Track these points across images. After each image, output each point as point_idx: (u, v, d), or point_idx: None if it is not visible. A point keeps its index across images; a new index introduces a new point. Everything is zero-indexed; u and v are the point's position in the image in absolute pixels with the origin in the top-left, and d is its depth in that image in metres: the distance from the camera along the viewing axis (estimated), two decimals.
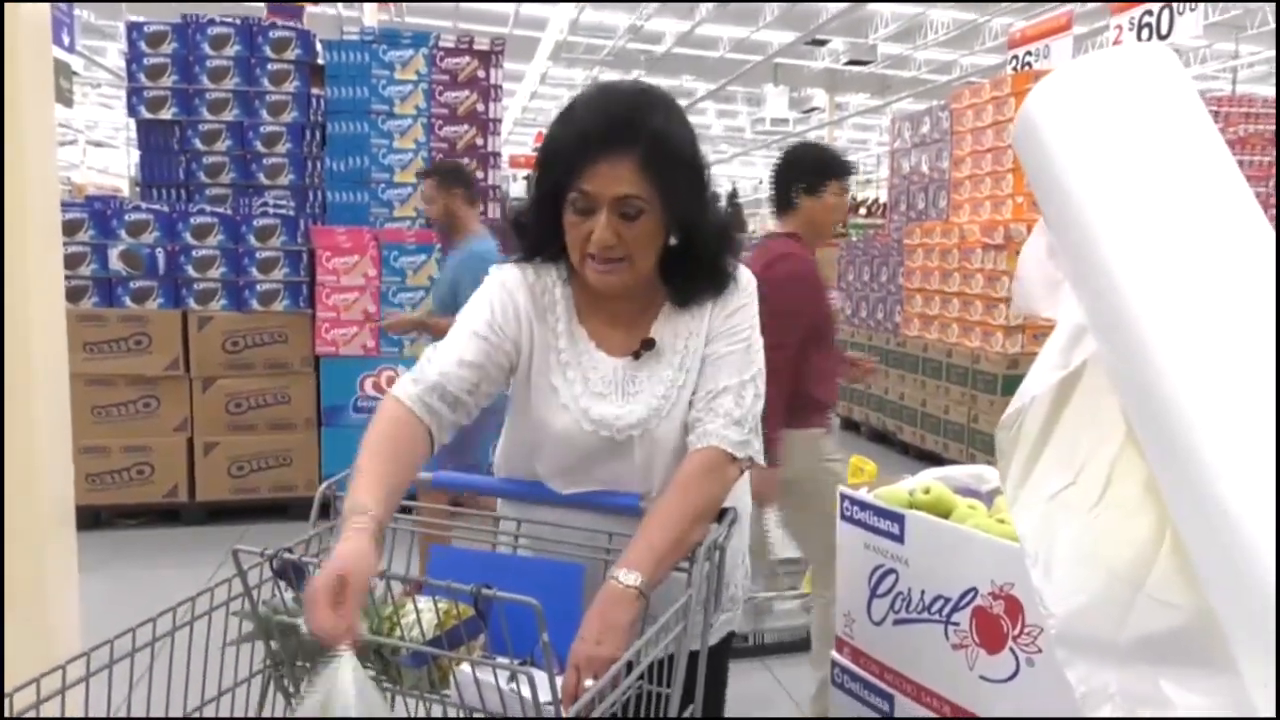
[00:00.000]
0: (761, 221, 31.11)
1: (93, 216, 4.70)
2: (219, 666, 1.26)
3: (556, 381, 1.41)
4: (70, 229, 4.57)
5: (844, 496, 2.09)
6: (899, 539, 1.91)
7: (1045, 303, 0.78)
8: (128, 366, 4.70)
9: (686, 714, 1.32)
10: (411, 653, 1.19)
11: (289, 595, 1.25)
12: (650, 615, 1.27)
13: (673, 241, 1.38)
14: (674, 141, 1.31)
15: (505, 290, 1.44)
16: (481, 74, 5.21)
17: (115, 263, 4.73)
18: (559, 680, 1.09)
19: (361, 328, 4.92)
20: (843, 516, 2.09)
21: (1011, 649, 1.69)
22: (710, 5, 13.44)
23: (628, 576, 1.22)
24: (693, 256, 1.39)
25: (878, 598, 2.00)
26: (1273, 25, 13.28)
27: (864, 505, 2.01)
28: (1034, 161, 0.76)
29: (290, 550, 1.22)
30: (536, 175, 1.38)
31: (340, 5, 12.59)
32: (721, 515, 1.39)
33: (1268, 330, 0.61)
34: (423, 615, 1.21)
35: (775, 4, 13.46)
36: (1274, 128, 9.15)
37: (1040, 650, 1.58)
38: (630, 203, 1.29)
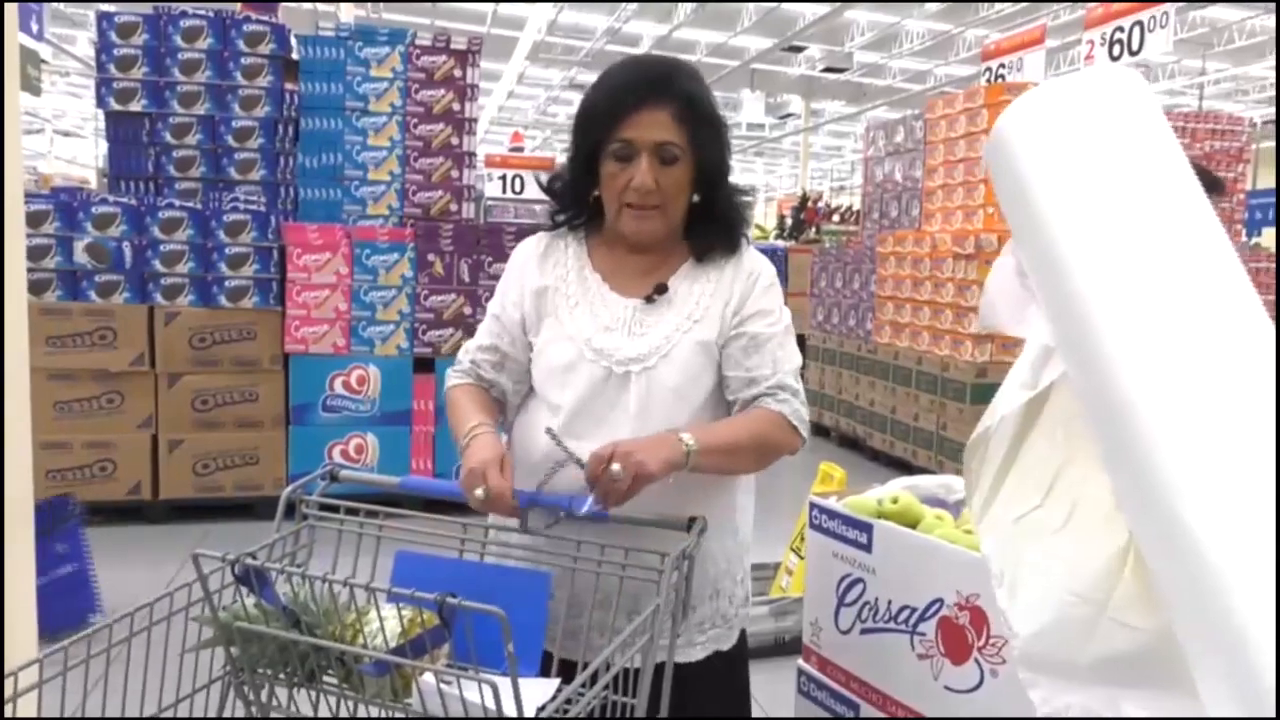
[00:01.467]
0: None
1: (58, 208, 4.62)
2: (178, 672, 1.24)
3: (563, 316, 1.48)
4: (35, 220, 4.48)
5: (813, 505, 2.10)
6: (866, 548, 1.93)
7: (1012, 321, 0.79)
8: (92, 361, 4.62)
9: None
10: (374, 661, 1.17)
11: (250, 601, 1.24)
12: (615, 629, 1.28)
13: (695, 199, 1.47)
14: (703, 100, 1.44)
15: (517, 262, 1.56)
16: (458, 73, 5.19)
17: (80, 256, 4.64)
18: (523, 689, 1.08)
19: (332, 326, 4.88)
20: (811, 525, 2.10)
21: (976, 660, 1.71)
22: (688, 9, 13.47)
23: (684, 435, 1.31)
24: (711, 214, 1.49)
25: (845, 606, 2.01)
26: (1239, 44, 13.53)
27: (833, 514, 2.02)
28: (1005, 181, 0.77)
29: (253, 555, 1.21)
30: (576, 134, 1.47)
31: (318, 3, 12.50)
32: (690, 524, 1.37)
33: (1234, 354, 0.62)
34: (386, 623, 1.20)
35: (753, 8, 13.52)
36: (1239, 144, 9.31)
37: (1005, 661, 1.59)
38: (668, 148, 1.40)
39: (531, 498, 1.37)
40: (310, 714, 1.28)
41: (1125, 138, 0.72)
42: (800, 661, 2.19)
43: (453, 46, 5.19)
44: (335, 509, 1.47)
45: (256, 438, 4.86)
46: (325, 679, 1.26)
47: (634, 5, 13.68)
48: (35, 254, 4.50)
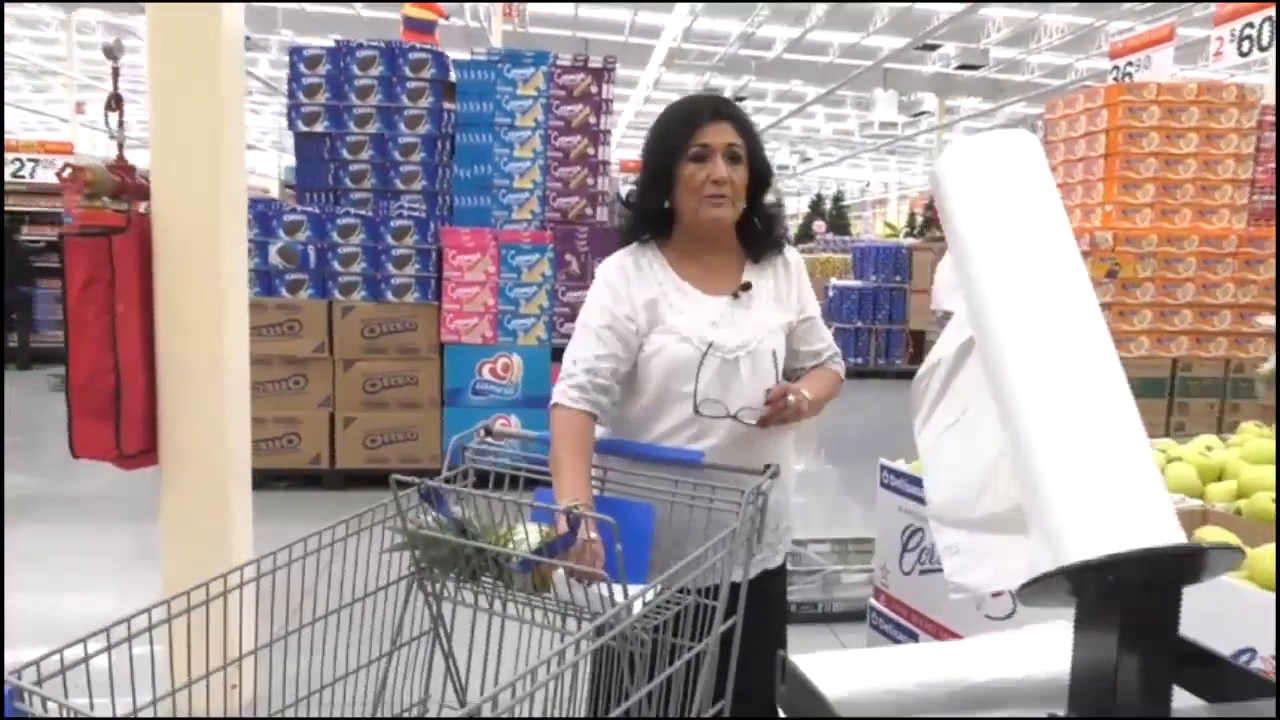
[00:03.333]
0: (867, 223, 30.93)
1: (256, 217, 5.38)
2: (376, 570, 1.67)
3: (675, 322, 1.83)
4: None
5: (883, 467, 2.46)
6: (925, 502, 2.28)
7: (949, 299, 1.16)
8: (281, 348, 5.38)
9: (727, 625, 1.61)
10: (521, 560, 1.53)
11: (430, 516, 1.64)
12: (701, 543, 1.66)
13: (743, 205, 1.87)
14: (749, 123, 1.88)
15: (623, 275, 1.87)
16: (594, 89, 5.69)
17: (274, 258, 5.41)
18: (629, 588, 1.42)
19: (481, 319, 5.48)
20: (881, 484, 2.47)
21: (1010, 593, 2.04)
22: (822, 10, 13.64)
23: (805, 391, 1.81)
24: (757, 218, 1.90)
25: (908, 552, 2.38)
26: None
27: (899, 474, 2.39)
28: (940, 205, 1.14)
29: (432, 480, 1.62)
30: (653, 151, 1.86)
31: (467, 11, 13.34)
32: (765, 468, 1.72)
33: (1067, 332, 0.94)
34: (530, 535, 1.56)
35: (886, 8, 13.57)
36: None
37: None
38: (734, 149, 1.80)
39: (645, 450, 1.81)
40: (471, 604, 1.67)
41: (1015, 182, 1.06)
42: (871, 600, 2.56)
43: (590, 65, 5.71)
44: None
45: (416, 417, 5.52)
46: (484, 578, 1.68)
47: (766, 10, 13.97)
48: None
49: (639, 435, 1.88)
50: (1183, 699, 0.92)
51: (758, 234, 1.91)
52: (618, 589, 1.44)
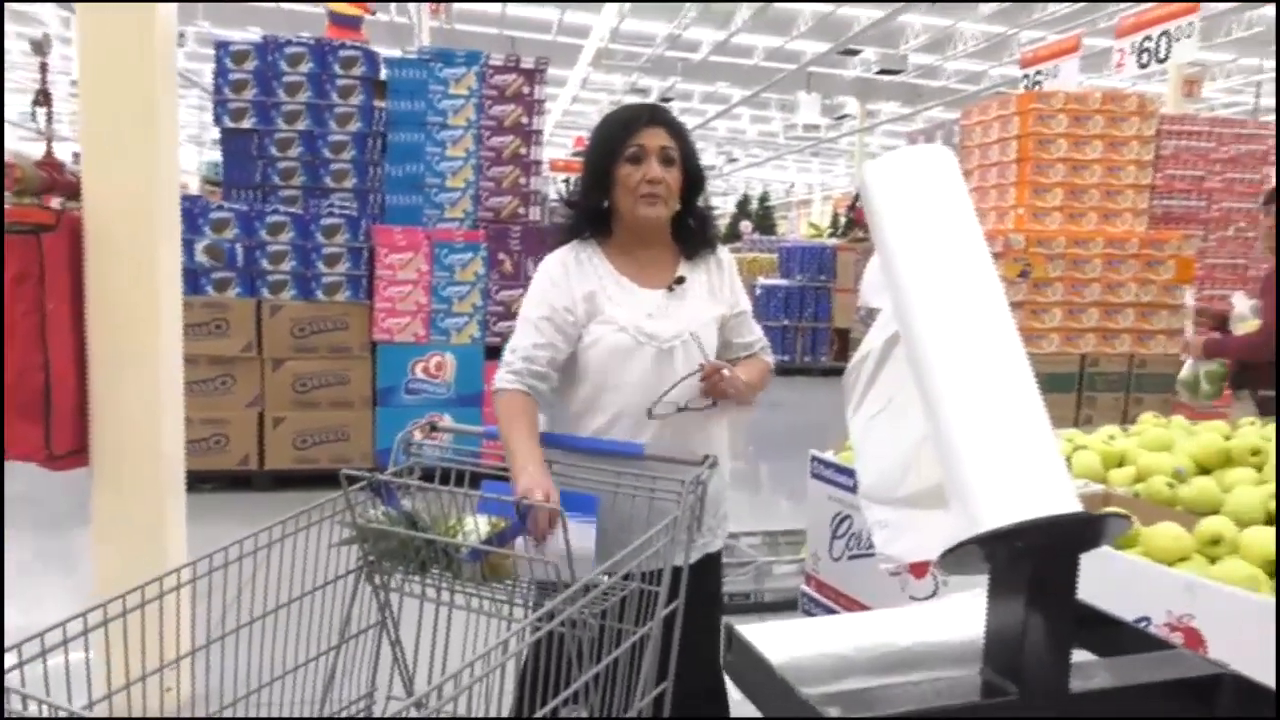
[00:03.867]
0: (792, 223, 31.50)
1: (183, 215, 5.27)
2: (325, 565, 1.69)
3: (613, 314, 1.92)
4: None
5: (814, 458, 2.58)
6: (854, 491, 2.40)
7: (877, 297, 1.26)
8: (209, 348, 5.28)
9: (670, 608, 1.69)
10: (470, 550, 1.59)
11: (380, 510, 1.72)
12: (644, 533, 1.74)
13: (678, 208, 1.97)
14: (683, 129, 1.98)
15: (563, 269, 1.96)
16: (526, 90, 5.73)
17: (200, 255, 5.31)
18: (575, 565, 1.51)
19: (413, 318, 5.47)
20: (812, 475, 2.58)
21: (933, 574, 2.18)
22: (747, 13, 13.86)
23: (741, 375, 1.90)
24: (691, 219, 2.00)
25: (837, 539, 2.49)
26: None
27: (828, 464, 2.50)
28: (868, 212, 1.24)
29: (382, 473, 1.69)
30: (594, 153, 1.96)
31: (393, 9, 13.19)
32: (704, 459, 1.81)
33: (979, 330, 1.05)
34: (479, 526, 1.63)
35: (809, 11, 13.85)
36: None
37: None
38: (668, 151, 1.90)
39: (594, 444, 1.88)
40: (419, 595, 1.72)
41: (934, 193, 1.17)
42: (802, 586, 2.67)
43: (522, 66, 5.74)
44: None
45: (348, 417, 5.48)
46: (433, 569, 1.73)
47: (693, 13, 14.13)
48: None
49: (579, 428, 1.95)
50: (1083, 658, 1.03)
51: (691, 233, 2.01)
52: (574, 526, 1.55)
